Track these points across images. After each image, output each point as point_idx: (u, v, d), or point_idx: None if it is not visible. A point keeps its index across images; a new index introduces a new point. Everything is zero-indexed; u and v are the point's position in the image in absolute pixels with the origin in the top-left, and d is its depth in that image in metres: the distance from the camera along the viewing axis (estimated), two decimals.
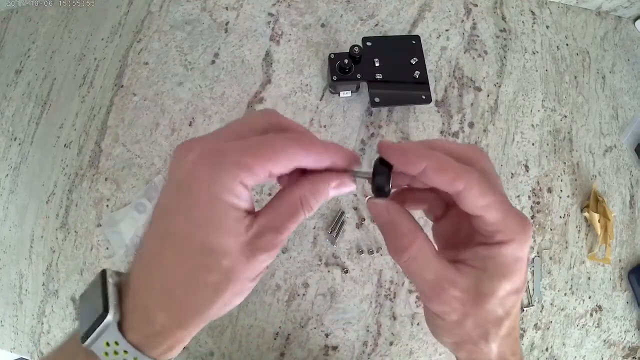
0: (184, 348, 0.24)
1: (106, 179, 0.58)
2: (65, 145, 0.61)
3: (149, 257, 0.22)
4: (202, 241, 0.20)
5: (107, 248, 0.56)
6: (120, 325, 0.21)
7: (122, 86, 0.62)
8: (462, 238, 0.25)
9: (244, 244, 0.21)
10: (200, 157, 0.20)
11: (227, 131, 0.22)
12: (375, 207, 0.24)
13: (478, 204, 0.21)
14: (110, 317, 0.21)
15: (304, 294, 0.54)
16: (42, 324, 0.56)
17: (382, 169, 0.22)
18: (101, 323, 0.21)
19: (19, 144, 0.63)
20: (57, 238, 0.58)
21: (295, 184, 0.22)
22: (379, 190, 0.23)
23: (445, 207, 0.27)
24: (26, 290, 0.58)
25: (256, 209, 0.23)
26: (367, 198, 0.24)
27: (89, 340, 0.21)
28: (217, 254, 0.20)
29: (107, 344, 0.21)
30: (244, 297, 0.23)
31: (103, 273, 0.23)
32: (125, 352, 0.21)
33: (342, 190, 0.23)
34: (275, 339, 0.53)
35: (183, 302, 0.21)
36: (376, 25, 0.64)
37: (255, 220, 0.21)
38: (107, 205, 0.57)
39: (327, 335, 0.53)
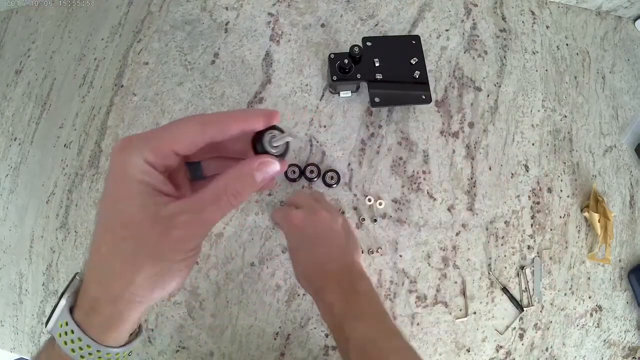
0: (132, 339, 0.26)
1: None
2: (65, 145, 0.61)
3: (91, 244, 0.24)
4: (113, 212, 0.22)
5: None
6: (72, 308, 0.24)
7: (122, 86, 0.62)
8: None
9: (155, 218, 0.22)
10: (116, 146, 0.23)
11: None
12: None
13: None
14: (63, 301, 0.23)
15: (304, 294, 0.54)
16: (42, 324, 0.56)
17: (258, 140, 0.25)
18: (57, 307, 0.23)
19: (19, 144, 0.63)
20: (57, 238, 0.58)
21: (225, 172, 0.24)
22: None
23: None
24: (26, 290, 0.58)
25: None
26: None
27: (48, 325, 0.24)
28: (126, 223, 0.22)
29: (61, 325, 0.23)
30: (175, 279, 0.23)
31: (76, 273, 0.26)
32: (72, 331, 0.23)
33: (268, 171, 0.24)
34: (275, 339, 0.53)
35: (108, 272, 0.23)
36: (376, 25, 0.64)
37: (175, 199, 0.23)
38: None
39: (327, 336, 0.53)
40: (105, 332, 0.23)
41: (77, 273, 0.25)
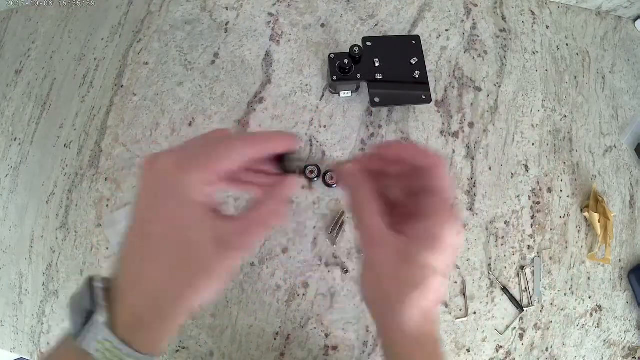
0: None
1: (106, 179, 0.58)
2: (65, 145, 0.61)
3: (133, 259, 0.24)
4: (177, 238, 0.23)
5: (107, 248, 0.56)
6: (110, 324, 0.23)
7: (122, 86, 0.62)
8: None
9: (214, 239, 0.23)
10: (168, 166, 0.23)
11: (186, 145, 0.26)
12: (349, 170, 0.29)
13: (444, 181, 0.26)
14: (100, 318, 0.23)
15: (304, 294, 0.54)
16: (42, 324, 0.56)
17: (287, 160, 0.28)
18: (91, 323, 0.23)
19: (19, 144, 0.63)
20: (57, 238, 0.58)
21: (264, 197, 0.26)
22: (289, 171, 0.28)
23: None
24: (26, 290, 0.58)
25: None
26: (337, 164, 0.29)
27: (82, 341, 0.23)
28: (191, 248, 0.23)
29: (99, 342, 0.22)
30: (220, 291, 0.25)
31: (90, 278, 0.24)
32: (118, 349, 0.22)
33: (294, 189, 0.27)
34: (275, 339, 0.53)
35: (164, 292, 0.23)
36: (376, 25, 0.64)
37: (228, 220, 0.24)
38: (107, 205, 0.57)
39: (327, 335, 0.53)
40: (154, 345, 0.24)
41: (93, 280, 0.24)
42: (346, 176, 0.29)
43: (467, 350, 0.54)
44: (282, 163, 0.28)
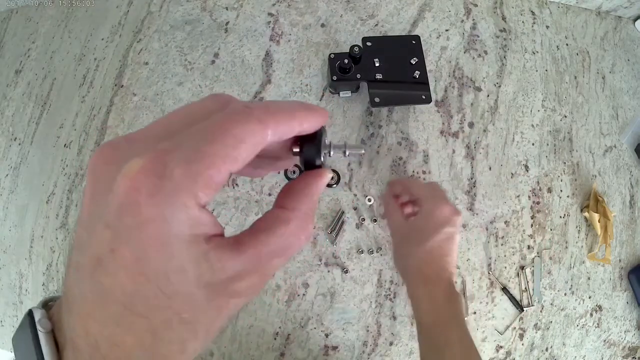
0: None
1: None
2: (65, 145, 0.61)
3: (91, 316, 0.16)
4: (155, 296, 0.15)
5: None
6: None
7: (122, 86, 0.62)
8: None
9: (212, 289, 0.16)
10: (137, 180, 0.14)
11: (165, 125, 0.17)
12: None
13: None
14: None
15: (304, 294, 0.54)
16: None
17: (309, 145, 0.20)
18: None
19: (19, 144, 0.64)
20: (57, 238, 0.58)
21: (285, 206, 0.18)
22: (310, 164, 0.20)
23: None
24: (26, 290, 0.58)
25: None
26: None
27: None
28: (177, 304, 0.16)
29: None
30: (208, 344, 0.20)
31: (31, 318, 0.18)
32: None
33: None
34: (275, 339, 0.53)
35: None
36: (376, 25, 0.64)
37: (230, 254, 0.16)
38: None
39: (327, 335, 0.53)
40: None
41: (34, 320, 0.17)
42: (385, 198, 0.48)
43: None
44: (305, 148, 0.19)
